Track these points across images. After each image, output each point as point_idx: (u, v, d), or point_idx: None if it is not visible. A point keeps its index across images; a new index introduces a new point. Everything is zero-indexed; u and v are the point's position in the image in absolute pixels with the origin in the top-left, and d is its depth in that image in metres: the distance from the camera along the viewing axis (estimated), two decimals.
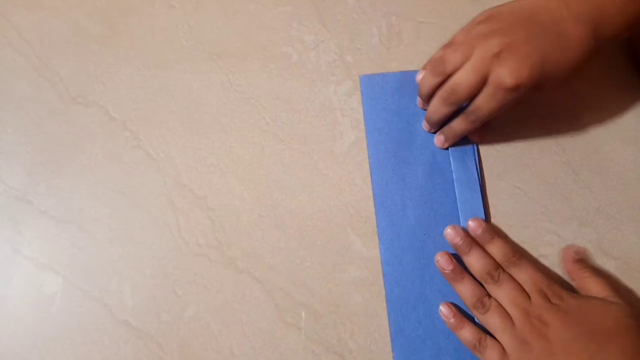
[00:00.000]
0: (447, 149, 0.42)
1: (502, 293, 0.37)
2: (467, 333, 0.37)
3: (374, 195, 0.42)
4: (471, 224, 0.39)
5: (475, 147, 0.43)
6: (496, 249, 0.38)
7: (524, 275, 0.37)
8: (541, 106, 0.44)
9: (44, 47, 0.46)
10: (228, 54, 0.46)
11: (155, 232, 0.41)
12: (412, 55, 0.46)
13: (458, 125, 0.40)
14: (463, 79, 0.37)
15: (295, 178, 0.43)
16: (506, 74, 0.35)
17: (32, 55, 0.46)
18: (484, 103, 0.37)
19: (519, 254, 0.38)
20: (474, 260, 0.38)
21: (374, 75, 0.45)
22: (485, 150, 0.43)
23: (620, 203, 0.42)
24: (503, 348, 0.35)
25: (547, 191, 0.42)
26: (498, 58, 0.36)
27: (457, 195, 0.41)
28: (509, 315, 0.36)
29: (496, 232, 0.40)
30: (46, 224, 0.42)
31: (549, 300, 0.36)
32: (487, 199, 0.42)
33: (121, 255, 0.41)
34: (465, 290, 0.37)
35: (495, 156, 0.43)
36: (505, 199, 0.42)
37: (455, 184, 0.42)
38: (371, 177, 0.42)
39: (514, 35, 0.36)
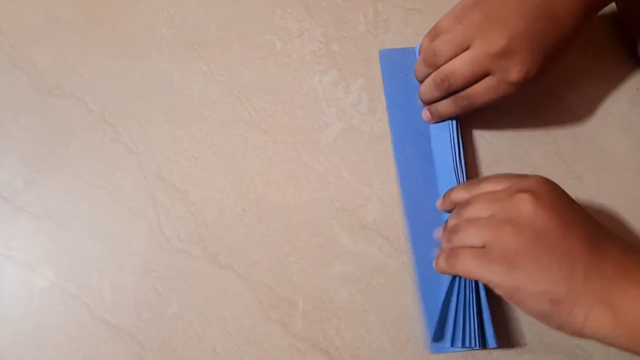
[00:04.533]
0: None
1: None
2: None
3: (398, 172, 0.41)
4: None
5: (455, 122, 0.41)
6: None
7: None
8: (532, 96, 0.43)
9: (19, 36, 0.45)
10: (209, 43, 0.45)
11: (135, 228, 0.40)
12: (400, 43, 0.44)
13: (446, 107, 0.40)
14: (459, 69, 0.36)
15: (279, 171, 0.41)
16: (513, 70, 0.35)
17: (6, 45, 0.45)
18: (482, 93, 0.37)
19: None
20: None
21: (394, 50, 0.44)
22: (475, 141, 0.42)
23: (613, 194, 0.41)
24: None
25: None
26: (503, 54, 0.35)
27: (436, 170, 0.41)
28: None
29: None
30: (23, 221, 0.40)
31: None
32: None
33: (100, 251, 0.40)
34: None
35: (485, 147, 0.42)
36: None
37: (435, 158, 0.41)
38: (394, 154, 0.41)
39: (513, 26, 0.35)
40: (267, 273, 0.39)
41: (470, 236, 0.33)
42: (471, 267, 0.32)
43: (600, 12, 0.46)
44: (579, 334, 0.29)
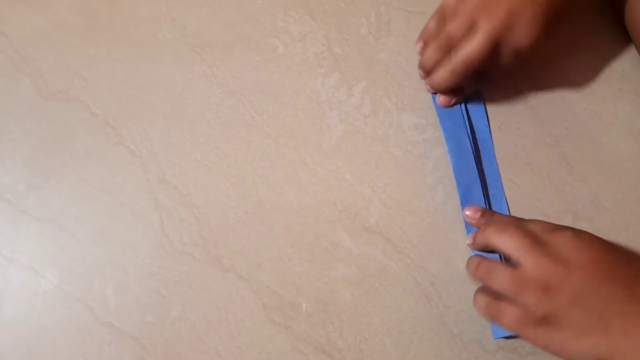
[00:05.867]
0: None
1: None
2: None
3: (453, 166, 0.41)
4: (468, 213, 0.40)
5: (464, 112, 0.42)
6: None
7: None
8: (533, 96, 0.43)
9: (23, 40, 0.45)
10: (212, 46, 0.45)
11: (138, 231, 0.40)
12: (402, 46, 0.44)
13: (442, 75, 0.40)
14: (475, 52, 0.37)
15: (282, 174, 0.41)
16: (523, 38, 0.36)
17: (10, 49, 0.45)
18: (498, 65, 0.38)
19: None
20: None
21: None
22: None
23: (616, 195, 0.41)
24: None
25: (541, 184, 0.41)
26: (510, 24, 0.36)
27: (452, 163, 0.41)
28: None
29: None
30: (26, 224, 0.40)
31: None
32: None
33: (104, 254, 0.40)
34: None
35: None
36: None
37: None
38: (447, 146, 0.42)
39: None
40: (270, 276, 0.39)
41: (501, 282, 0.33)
42: (515, 327, 0.33)
43: (602, 13, 0.46)
44: None
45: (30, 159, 0.42)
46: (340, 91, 0.43)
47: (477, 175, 0.41)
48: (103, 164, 0.42)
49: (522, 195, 0.41)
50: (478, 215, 0.39)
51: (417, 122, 0.43)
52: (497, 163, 0.41)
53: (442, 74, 0.39)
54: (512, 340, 0.37)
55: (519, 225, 0.35)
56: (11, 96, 0.43)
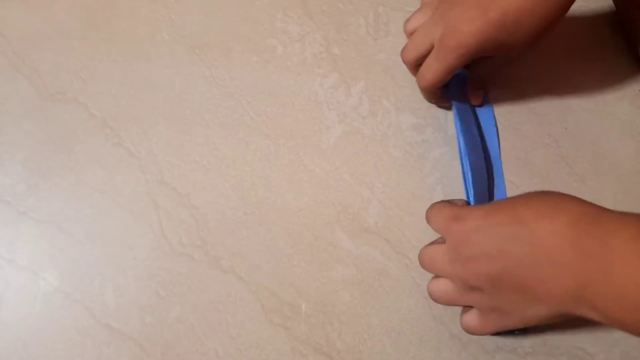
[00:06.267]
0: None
1: None
2: None
3: (471, 167, 0.40)
4: None
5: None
6: None
7: None
8: (533, 96, 0.43)
9: (21, 42, 0.45)
10: (210, 47, 0.45)
11: (137, 232, 0.40)
12: (400, 46, 0.44)
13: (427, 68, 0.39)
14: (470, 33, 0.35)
15: (281, 174, 0.41)
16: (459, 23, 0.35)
17: (8, 50, 0.45)
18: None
19: None
20: None
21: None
22: None
23: (615, 196, 0.41)
24: None
25: (540, 184, 0.41)
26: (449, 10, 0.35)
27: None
28: None
29: None
30: (25, 225, 0.40)
31: None
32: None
33: (102, 256, 0.40)
34: None
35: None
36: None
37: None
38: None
39: None
40: (269, 277, 0.39)
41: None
42: (478, 329, 0.34)
43: (601, 13, 0.46)
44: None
45: (29, 160, 0.42)
46: (339, 92, 0.43)
47: (486, 178, 0.40)
48: (102, 165, 0.42)
49: None
50: None
51: (416, 123, 0.43)
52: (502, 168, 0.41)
53: (431, 64, 0.38)
54: (511, 341, 0.37)
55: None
56: (10, 97, 0.43)
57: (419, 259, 0.36)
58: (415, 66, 0.40)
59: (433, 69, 0.38)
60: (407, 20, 0.40)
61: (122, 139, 0.42)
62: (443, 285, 0.34)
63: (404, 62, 0.40)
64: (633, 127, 0.42)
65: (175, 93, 0.44)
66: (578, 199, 0.31)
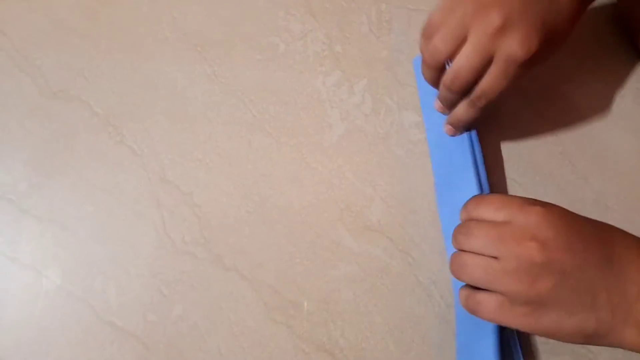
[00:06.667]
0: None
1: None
2: None
3: (435, 176, 0.40)
4: None
5: (473, 134, 0.40)
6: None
7: None
8: (536, 95, 0.43)
9: (24, 40, 0.45)
10: (213, 45, 0.45)
11: (140, 230, 0.40)
12: (403, 44, 0.44)
13: (464, 112, 0.38)
14: (464, 63, 0.34)
15: (283, 172, 0.41)
16: (516, 47, 0.33)
17: (11, 49, 0.45)
18: (493, 83, 0.35)
19: None
20: None
21: None
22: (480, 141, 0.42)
23: (618, 194, 0.41)
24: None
25: (543, 182, 0.41)
26: (502, 32, 0.33)
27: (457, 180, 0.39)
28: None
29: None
30: (28, 223, 0.40)
31: None
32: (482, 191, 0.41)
33: (105, 254, 0.40)
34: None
35: (489, 148, 0.42)
36: (500, 192, 0.41)
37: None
38: (431, 157, 0.41)
39: (510, 6, 0.33)
40: (272, 275, 0.39)
41: (482, 245, 0.32)
42: (497, 318, 0.31)
43: (604, 11, 0.45)
44: (622, 347, 0.30)
45: (31, 159, 0.42)
46: (342, 90, 0.43)
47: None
48: (104, 163, 0.42)
49: (524, 194, 0.41)
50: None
51: (418, 121, 0.43)
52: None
53: (466, 114, 0.37)
54: None
55: (484, 212, 0.33)
56: (12, 96, 0.43)
57: (451, 263, 0.33)
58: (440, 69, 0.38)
59: (497, 84, 0.35)
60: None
61: (124, 137, 0.42)
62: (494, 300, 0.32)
63: (431, 64, 0.37)
64: (636, 125, 0.42)
65: (177, 91, 0.44)
66: None
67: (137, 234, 0.40)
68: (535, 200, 0.32)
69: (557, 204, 0.40)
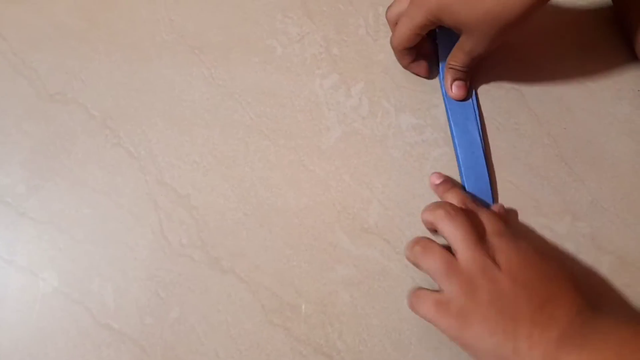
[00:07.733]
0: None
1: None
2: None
3: (461, 160, 0.41)
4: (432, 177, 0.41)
5: (475, 107, 0.42)
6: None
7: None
8: (532, 96, 0.43)
9: (21, 43, 0.45)
10: (210, 47, 0.45)
11: (137, 233, 0.40)
12: None
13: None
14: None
15: (280, 175, 0.41)
16: None
17: (8, 51, 0.45)
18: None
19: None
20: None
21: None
22: None
23: (614, 196, 0.41)
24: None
25: (539, 185, 0.41)
26: None
27: (459, 158, 0.41)
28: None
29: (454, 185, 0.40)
30: (25, 226, 0.40)
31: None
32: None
33: (102, 256, 0.40)
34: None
35: (485, 150, 0.42)
36: (496, 194, 0.41)
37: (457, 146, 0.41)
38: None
39: None
40: (269, 277, 0.39)
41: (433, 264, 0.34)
42: (429, 314, 0.33)
43: (600, 13, 0.46)
44: None
45: (28, 161, 0.42)
46: (339, 92, 0.44)
47: (486, 170, 0.41)
48: (101, 165, 0.42)
49: (520, 196, 0.41)
50: (438, 182, 0.40)
51: (415, 123, 0.43)
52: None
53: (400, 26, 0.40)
54: None
55: (469, 216, 0.35)
56: (9, 98, 0.43)
57: (414, 245, 0.35)
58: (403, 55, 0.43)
59: (404, 25, 0.40)
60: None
61: (121, 139, 0.42)
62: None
63: (394, 48, 0.42)
64: (632, 127, 0.42)
65: (175, 94, 0.44)
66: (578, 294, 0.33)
67: (134, 237, 0.40)
68: (507, 231, 0.35)
69: (553, 206, 0.40)
